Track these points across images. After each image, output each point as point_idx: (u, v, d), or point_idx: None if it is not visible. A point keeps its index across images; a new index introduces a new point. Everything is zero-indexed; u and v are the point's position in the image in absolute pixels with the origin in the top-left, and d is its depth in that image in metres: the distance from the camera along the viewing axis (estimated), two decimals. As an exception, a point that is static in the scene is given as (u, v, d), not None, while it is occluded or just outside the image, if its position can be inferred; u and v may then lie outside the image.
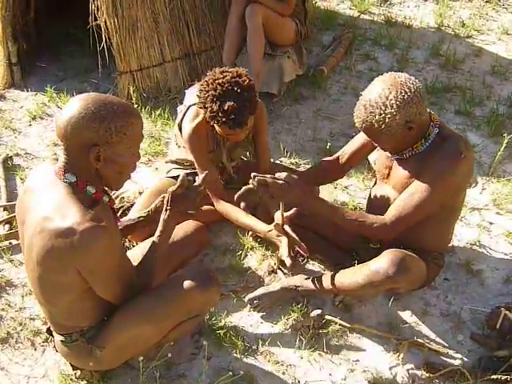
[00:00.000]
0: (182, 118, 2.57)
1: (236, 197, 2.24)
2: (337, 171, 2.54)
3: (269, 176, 2.13)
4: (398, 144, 2.13)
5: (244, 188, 2.21)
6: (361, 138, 2.41)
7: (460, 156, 2.05)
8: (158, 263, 2.00)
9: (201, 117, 2.47)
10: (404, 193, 2.15)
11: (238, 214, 2.47)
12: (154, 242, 2.01)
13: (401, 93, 2.00)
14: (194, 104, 2.49)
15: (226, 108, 2.25)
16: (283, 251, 2.27)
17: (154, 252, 1.99)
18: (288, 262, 2.25)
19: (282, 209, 2.29)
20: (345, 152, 2.48)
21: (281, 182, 2.12)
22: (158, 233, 2.01)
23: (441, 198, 2.13)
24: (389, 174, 2.29)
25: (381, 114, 2.02)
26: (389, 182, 2.29)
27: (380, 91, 2.03)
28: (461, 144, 2.08)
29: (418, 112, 2.03)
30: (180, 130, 2.61)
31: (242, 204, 2.32)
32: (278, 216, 2.36)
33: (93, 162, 1.73)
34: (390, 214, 2.15)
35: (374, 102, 2.03)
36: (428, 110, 2.15)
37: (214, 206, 2.72)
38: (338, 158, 2.50)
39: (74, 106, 1.72)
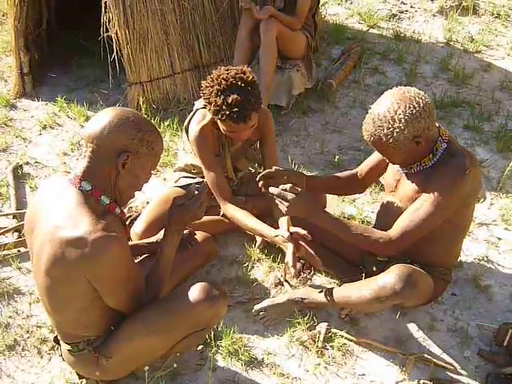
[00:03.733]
0: (190, 121, 2.59)
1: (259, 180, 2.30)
2: (355, 185, 2.53)
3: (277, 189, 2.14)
4: (405, 158, 2.14)
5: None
6: (378, 154, 2.41)
7: (465, 173, 2.05)
8: (165, 274, 2.01)
9: (207, 119, 2.50)
10: (409, 208, 2.15)
11: (246, 219, 2.46)
12: (160, 253, 2.01)
13: (409, 107, 2.00)
14: (202, 107, 2.52)
15: (230, 101, 2.29)
16: (288, 259, 2.27)
17: (161, 264, 2.00)
18: (292, 270, 2.25)
19: (288, 219, 2.34)
20: (363, 167, 2.48)
21: (290, 196, 2.11)
22: (163, 244, 2.02)
23: (445, 214, 2.13)
24: (396, 187, 2.30)
25: (389, 129, 2.02)
26: (396, 195, 2.29)
27: (389, 105, 2.03)
28: (466, 160, 2.08)
29: (426, 127, 2.04)
30: (187, 133, 2.62)
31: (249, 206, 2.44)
32: (282, 222, 2.38)
33: (118, 168, 1.77)
34: (395, 229, 2.15)
35: (383, 115, 2.03)
36: (437, 125, 2.16)
37: (220, 216, 2.74)
38: (356, 172, 2.49)
39: (114, 112, 1.79)
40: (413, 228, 2.12)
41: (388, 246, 2.15)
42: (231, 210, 2.51)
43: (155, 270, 1.99)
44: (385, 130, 2.03)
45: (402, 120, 2.00)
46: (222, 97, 2.30)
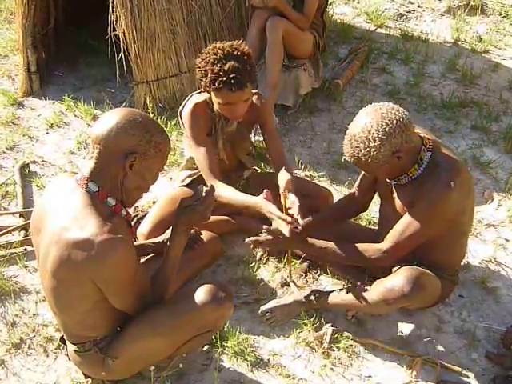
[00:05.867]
0: (184, 106, 2.60)
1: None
2: (357, 206, 2.52)
3: (260, 237, 2.24)
4: (390, 172, 2.13)
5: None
6: None
7: (450, 186, 2.03)
8: (171, 275, 2.00)
9: (201, 99, 2.52)
10: (399, 223, 2.15)
11: (235, 194, 2.44)
12: (166, 254, 2.00)
13: (382, 125, 1.98)
14: (196, 93, 2.56)
15: (227, 68, 2.31)
16: (275, 213, 2.23)
17: (167, 264, 1.99)
18: (285, 223, 2.22)
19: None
20: (357, 187, 2.46)
21: (270, 237, 2.23)
22: (169, 245, 2.01)
23: (435, 228, 2.13)
24: (390, 197, 2.28)
25: (365, 149, 2.01)
26: (390, 204, 2.28)
27: (362, 125, 2.02)
28: (452, 172, 2.06)
29: (403, 141, 2.01)
30: (181, 117, 2.60)
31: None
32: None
33: (125, 169, 1.77)
34: (387, 243, 2.17)
35: (358, 136, 2.02)
36: (421, 134, 2.13)
37: (227, 216, 2.74)
38: (353, 192, 2.48)
39: (121, 113, 1.78)
40: (404, 242, 2.14)
41: (381, 260, 2.19)
42: (220, 189, 2.41)
43: (161, 270, 1.99)
44: (362, 151, 2.02)
45: (377, 139, 1.98)
46: (219, 64, 2.33)
